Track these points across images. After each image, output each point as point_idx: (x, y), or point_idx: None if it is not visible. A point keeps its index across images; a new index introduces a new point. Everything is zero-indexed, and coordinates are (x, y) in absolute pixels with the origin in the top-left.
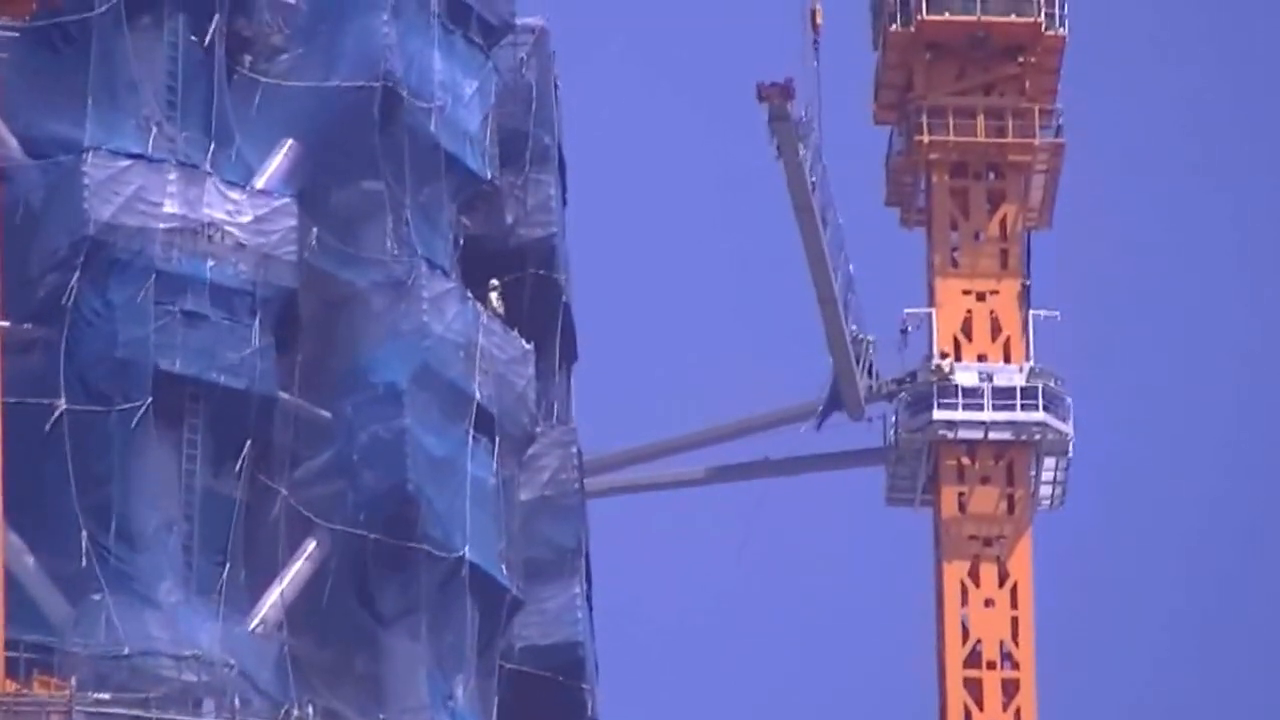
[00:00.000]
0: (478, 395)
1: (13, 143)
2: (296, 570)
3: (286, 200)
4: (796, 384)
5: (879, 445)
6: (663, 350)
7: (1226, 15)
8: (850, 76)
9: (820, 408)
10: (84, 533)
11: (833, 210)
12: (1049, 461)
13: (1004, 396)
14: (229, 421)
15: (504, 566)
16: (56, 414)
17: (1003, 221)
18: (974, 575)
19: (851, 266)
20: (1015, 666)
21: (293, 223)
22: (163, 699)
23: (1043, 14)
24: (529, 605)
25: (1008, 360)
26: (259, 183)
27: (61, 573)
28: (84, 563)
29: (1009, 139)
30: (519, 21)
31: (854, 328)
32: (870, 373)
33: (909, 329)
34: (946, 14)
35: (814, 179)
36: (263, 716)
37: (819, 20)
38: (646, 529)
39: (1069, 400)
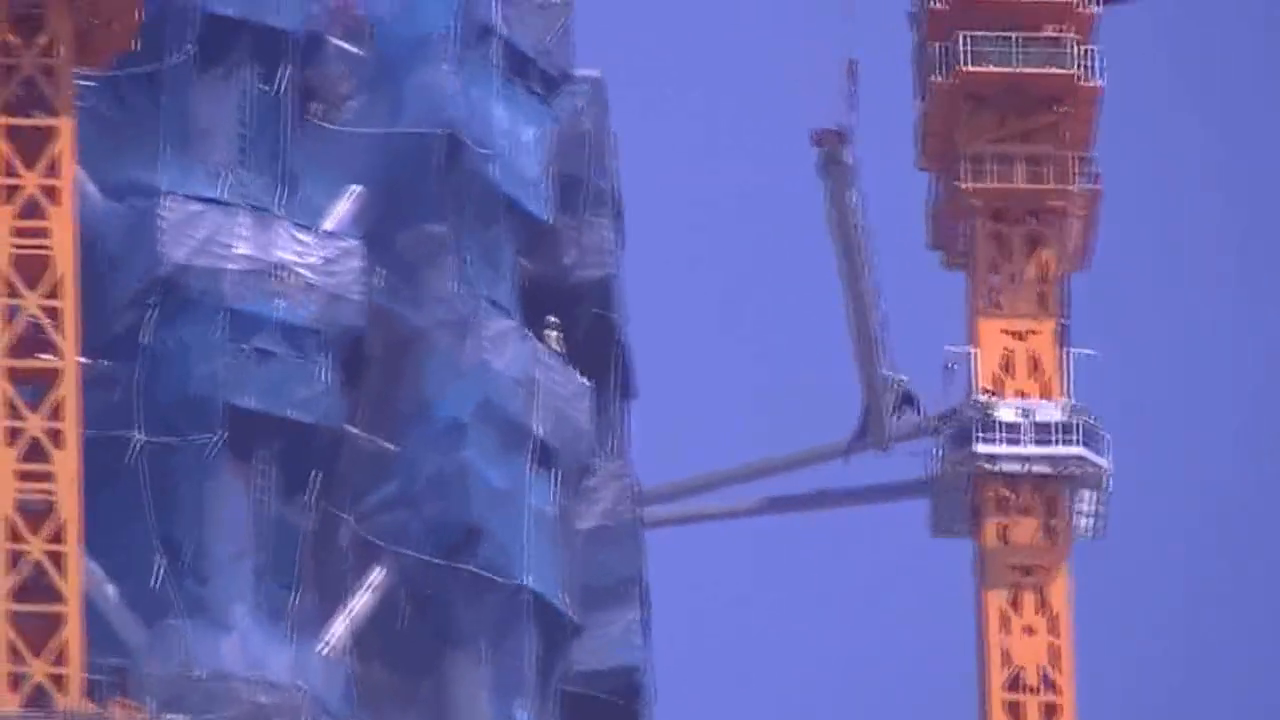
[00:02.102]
0: (537, 429)
1: (91, 187)
2: (363, 596)
3: (353, 243)
4: (847, 419)
5: (923, 478)
6: (717, 385)
7: (1259, 62)
8: (895, 125)
9: (848, 441)
10: (160, 560)
11: (874, 253)
12: (1087, 494)
13: (1043, 432)
14: (298, 454)
15: (563, 593)
16: (134, 446)
17: (1041, 264)
18: (1015, 603)
19: (886, 306)
20: (1056, 691)
21: (359, 264)
22: None
23: (1079, 66)
24: (588, 631)
25: (1046, 397)
26: (327, 225)
27: (138, 599)
28: (159, 589)
29: (1047, 185)
30: (577, 72)
31: (888, 372)
32: (901, 409)
33: (952, 367)
34: (986, 65)
35: (860, 223)
36: None
37: (856, 71)
38: (703, 558)
39: (1106, 435)
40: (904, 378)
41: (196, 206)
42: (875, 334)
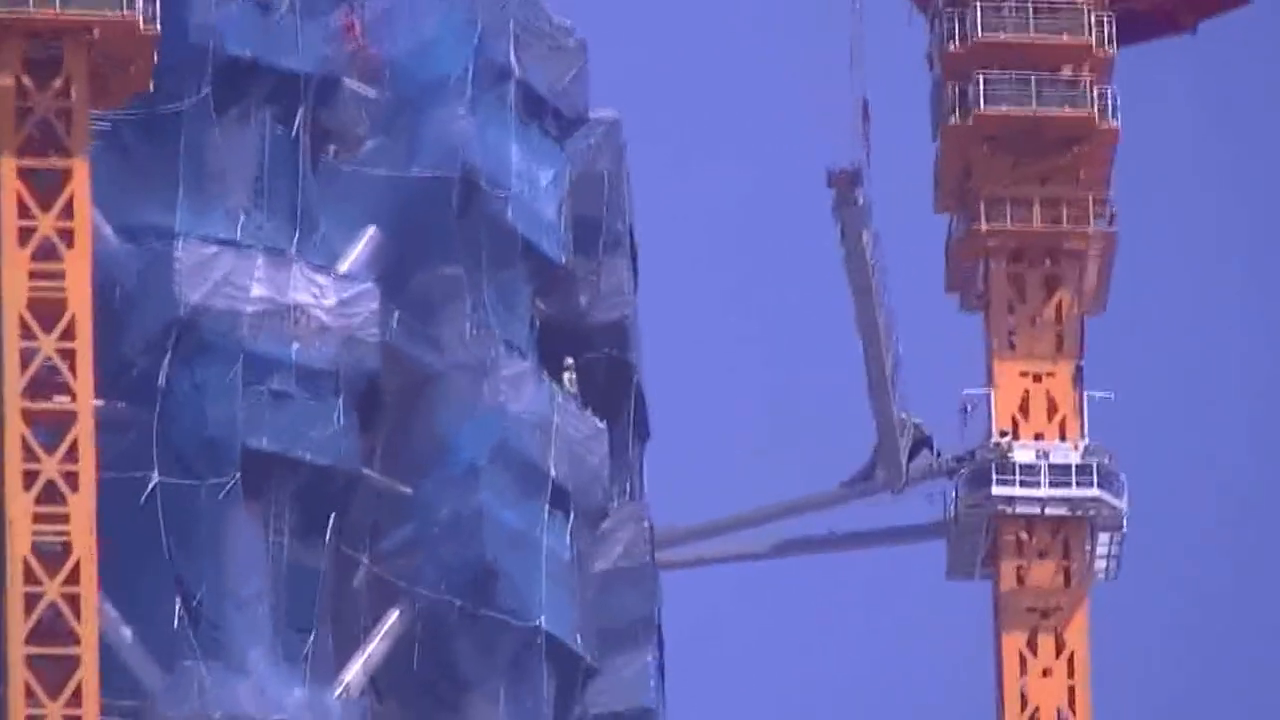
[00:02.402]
0: (553, 472)
1: (107, 230)
2: (380, 639)
3: (369, 285)
4: (861, 461)
5: (940, 520)
6: (730, 426)
7: (1276, 103)
8: (912, 167)
9: (850, 480)
10: (176, 601)
11: (887, 293)
12: (1104, 536)
13: (1060, 473)
14: (314, 496)
15: (579, 635)
16: (150, 487)
17: (1058, 306)
18: (1032, 645)
19: (900, 348)
20: None
21: (375, 306)
22: None
23: (1095, 107)
24: (603, 673)
25: (1063, 439)
26: (342, 267)
27: (155, 640)
28: (176, 631)
29: (1064, 227)
30: (592, 114)
31: (903, 414)
32: (917, 452)
33: (969, 409)
34: (1003, 107)
35: (874, 262)
36: None
37: (869, 110)
38: (718, 600)
39: (1123, 477)
40: (918, 420)
41: (212, 249)
42: (889, 374)
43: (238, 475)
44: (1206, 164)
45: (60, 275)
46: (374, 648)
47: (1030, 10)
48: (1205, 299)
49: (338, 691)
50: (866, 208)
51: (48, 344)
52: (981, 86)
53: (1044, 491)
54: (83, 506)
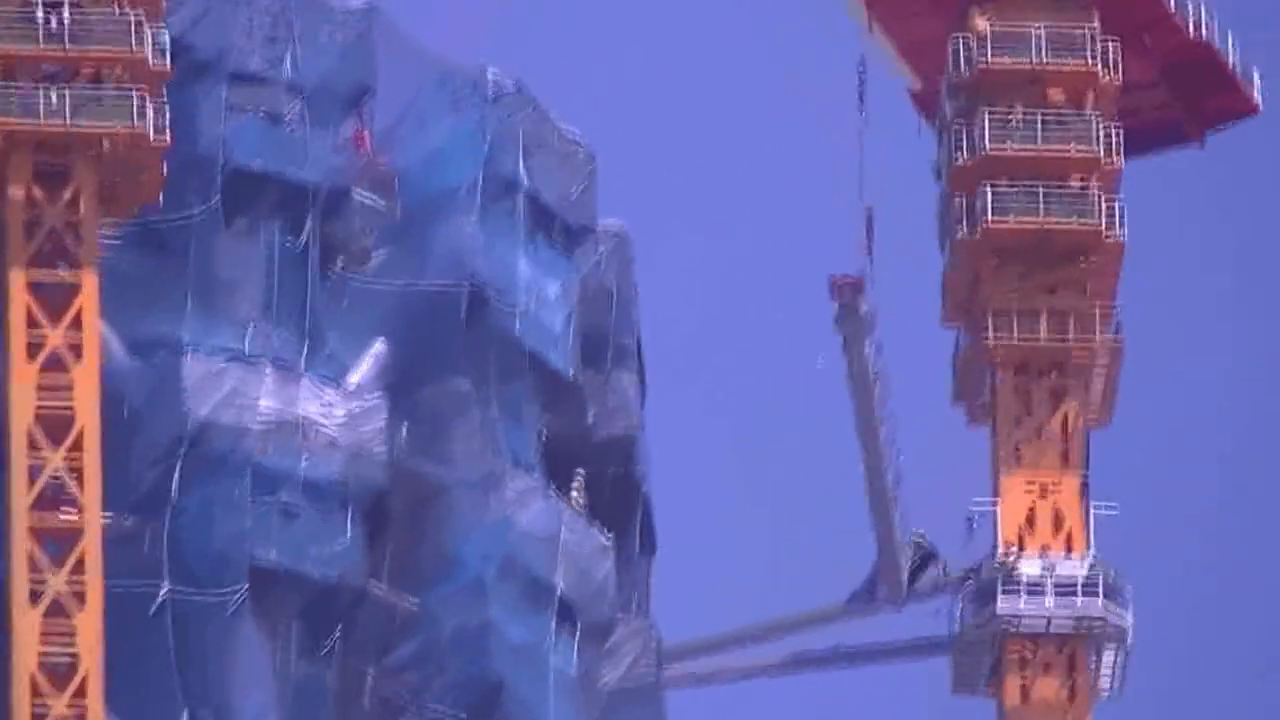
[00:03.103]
0: (560, 587)
1: (115, 344)
2: None
3: (377, 399)
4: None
5: (945, 636)
6: (735, 540)
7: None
8: (919, 279)
9: (851, 597)
10: (185, 713)
11: (890, 405)
12: (1109, 651)
13: (1065, 587)
14: (321, 610)
15: None
16: (160, 599)
17: (1064, 419)
18: None
19: (902, 460)
20: None
21: (383, 421)
22: None
23: (1103, 219)
24: None
25: (1069, 552)
26: (351, 379)
27: None
28: None
29: (1070, 339)
30: (600, 225)
31: (918, 529)
32: (923, 568)
33: (974, 522)
34: (1010, 218)
35: (876, 372)
36: None
37: (873, 219)
38: (724, 717)
39: (1128, 591)
40: (922, 533)
41: (220, 362)
42: (890, 489)
43: (245, 588)
44: (1209, 273)
45: (69, 388)
46: None
47: (1039, 122)
48: (1212, 411)
49: None
50: (870, 317)
51: (55, 458)
52: (989, 198)
53: (1049, 607)
54: (90, 622)
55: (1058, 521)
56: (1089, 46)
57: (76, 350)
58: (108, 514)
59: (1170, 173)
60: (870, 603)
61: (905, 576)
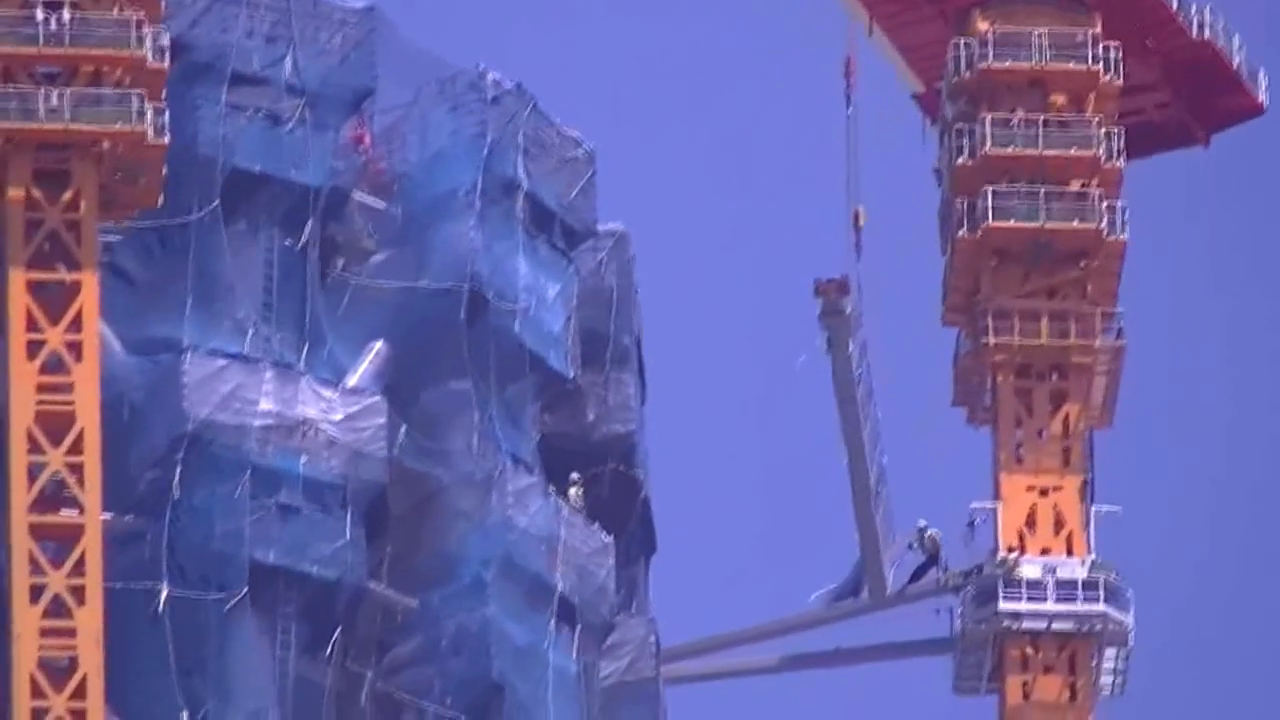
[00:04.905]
0: (559, 586)
1: (115, 344)
2: None
3: (376, 399)
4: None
5: (946, 635)
6: (734, 539)
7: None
8: (920, 280)
9: (834, 594)
10: (184, 713)
11: (873, 404)
12: (1110, 651)
13: (1066, 588)
14: (321, 610)
15: None
16: (160, 599)
17: (1065, 420)
18: None
19: (886, 459)
20: None
21: (382, 421)
22: None
23: (1104, 221)
24: None
25: (1070, 553)
26: (350, 381)
27: None
28: None
29: (1071, 341)
30: (600, 226)
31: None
32: (924, 569)
33: (976, 523)
34: (1011, 221)
35: (860, 371)
36: None
37: (861, 221)
38: (723, 715)
39: (1129, 592)
40: (937, 532)
41: (220, 362)
42: (872, 485)
43: (245, 588)
44: (1211, 275)
45: (69, 389)
46: None
47: (1040, 124)
48: (1214, 413)
49: None
50: (854, 317)
51: (56, 458)
52: (990, 200)
53: (1050, 607)
54: (90, 622)
55: (1059, 523)
56: (1090, 49)
57: (76, 350)
58: (107, 514)
59: (1174, 174)
60: (854, 604)
61: (891, 572)
